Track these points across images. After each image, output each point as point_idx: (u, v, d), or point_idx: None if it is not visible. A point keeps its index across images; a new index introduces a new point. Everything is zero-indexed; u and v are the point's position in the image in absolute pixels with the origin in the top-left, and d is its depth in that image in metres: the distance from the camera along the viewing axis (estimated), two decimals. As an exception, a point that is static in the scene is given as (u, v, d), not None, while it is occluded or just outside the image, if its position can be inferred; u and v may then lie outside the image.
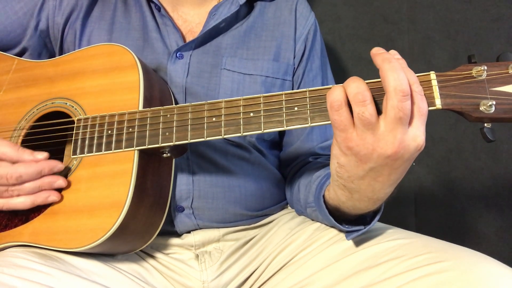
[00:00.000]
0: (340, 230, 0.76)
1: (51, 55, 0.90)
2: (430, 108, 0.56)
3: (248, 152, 0.86)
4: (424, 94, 0.55)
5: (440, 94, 0.56)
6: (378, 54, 0.55)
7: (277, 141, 0.94)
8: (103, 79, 0.75)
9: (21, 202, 0.68)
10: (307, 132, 0.89)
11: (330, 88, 0.57)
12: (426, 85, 0.56)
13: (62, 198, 0.70)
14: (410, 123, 0.54)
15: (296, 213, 0.91)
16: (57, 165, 0.69)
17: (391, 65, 0.54)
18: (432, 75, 0.57)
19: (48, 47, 0.90)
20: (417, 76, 0.56)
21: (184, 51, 0.84)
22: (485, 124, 0.56)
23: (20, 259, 0.64)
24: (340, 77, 0.90)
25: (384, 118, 0.54)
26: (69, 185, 0.71)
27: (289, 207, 0.95)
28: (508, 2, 1.22)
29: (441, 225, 1.32)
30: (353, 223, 0.71)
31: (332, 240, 0.78)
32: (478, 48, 1.25)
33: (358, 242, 0.73)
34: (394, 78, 0.53)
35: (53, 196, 0.69)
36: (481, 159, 1.27)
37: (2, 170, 0.66)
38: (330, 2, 1.33)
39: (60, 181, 0.69)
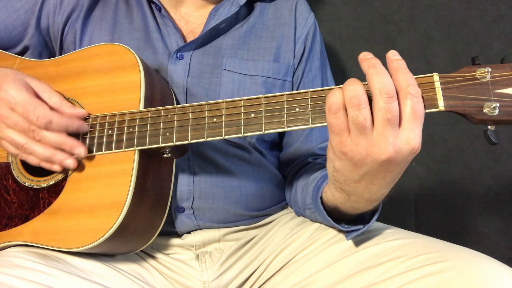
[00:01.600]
0: (339, 230, 0.76)
1: (51, 54, 0.90)
2: (433, 110, 0.55)
3: (249, 152, 0.86)
4: (427, 95, 0.55)
5: (443, 96, 0.55)
6: (365, 59, 0.55)
7: (277, 142, 0.94)
8: (104, 79, 0.75)
9: (40, 151, 0.68)
10: (307, 133, 0.89)
11: (332, 89, 0.57)
12: (429, 86, 0.56)
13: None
14: (401, 124, 0.53)
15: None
16: (80, 146, 0.69)
17: (376, 70, 0.53)
18: (435, 76, 0.56)
19: (48, 46, 0.89)
20: (420, 77, 0.56)
21: (185, 52, 0.84)
22: (489, 127, 0.55)
23: (20, 259, 0.64)
24: (340, 78, 0.90)
25: (374, 121, 0.53)
26: (69, 184, 0.71)
27: (289, 207, 0.95)
28: (508, 2, 1.22)
29: (441, 225, 1.32)
30: (352, 222, 0.71)
31: (332, 240, 0.78)
32: (478, 48, 1.25)
33: (358, 242, 0.73)
34: (379, 81, 0.53)
35: (70, 161, 0.69)
36: (481, 159, 1.27)
37: (38, 111, 0.67)
38: (330, 2, 1.33)
39: (81, 149, 0.69)
